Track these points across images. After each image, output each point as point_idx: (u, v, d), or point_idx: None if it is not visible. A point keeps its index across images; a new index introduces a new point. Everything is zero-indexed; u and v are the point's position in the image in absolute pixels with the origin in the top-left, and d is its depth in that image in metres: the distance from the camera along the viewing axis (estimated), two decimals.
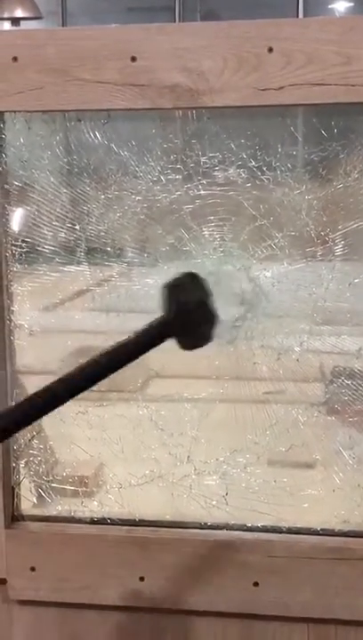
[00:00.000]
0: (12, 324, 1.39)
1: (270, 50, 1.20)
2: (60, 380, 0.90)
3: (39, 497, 1.46)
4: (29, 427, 1.43)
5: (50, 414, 1.46)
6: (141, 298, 1.43)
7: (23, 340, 1.42)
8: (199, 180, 1.35)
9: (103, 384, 1.51)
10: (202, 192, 1.35)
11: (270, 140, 1.34)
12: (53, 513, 1.44)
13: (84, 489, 1.47)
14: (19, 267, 1.38)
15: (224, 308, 1.38)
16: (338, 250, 1.35)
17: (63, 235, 1.41)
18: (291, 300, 1.38)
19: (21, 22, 5.09)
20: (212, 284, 1.32)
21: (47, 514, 1.44)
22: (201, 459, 1.42)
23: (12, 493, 1.41)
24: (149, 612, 1.38)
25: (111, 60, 1.24)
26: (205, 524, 1.38)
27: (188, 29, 1.24)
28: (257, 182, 1.34)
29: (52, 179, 1.39)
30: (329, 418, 1.46)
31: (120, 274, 1.44)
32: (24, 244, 1.39)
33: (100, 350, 0.90)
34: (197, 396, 1.47)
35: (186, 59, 1.22)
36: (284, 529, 1.36)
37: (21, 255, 1.38)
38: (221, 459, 1.42)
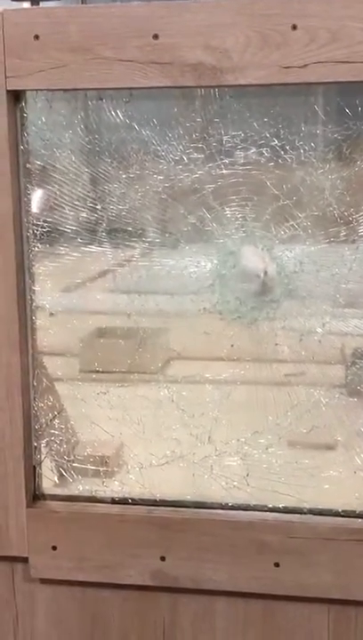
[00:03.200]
0: (34, 304, 1.39)
1: (295, 27, 1.19)
2: None
3: (60, 476, 1.47)
4: (51, 406, 1.44)
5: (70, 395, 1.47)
6: (162, 278, 1.42)
7: (44, 321, 1.42)
8: (221, 159, 1.34)
9: (125, 365, 1.52)
10: (224, 171, 1.34)
11: (293, 118, 1.32)
12: (75, 492, 1.45)
13: (105, 469, 1.47)
14: (40, 247, 1.38)
15: (246, 289, 1.39)
16: (362, 230, 1.34)
17: (84, 215, 1.41)
18: (313, 281, 1.37)
19: (40, 2, 5.07)
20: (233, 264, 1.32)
21: (68, 493, 1.44)
22: (222, 439, 1.42)
23: (33, 473, 1.42)
24: (170, 592, 1.39)
25: (133, 38, 1.23)
26: (226, 504, 1.38)
27: (211, 6, 1.22)
28: (280, 162, 1.33)
29: (73, 158, 1.38)
30: (351, 399, 1.46)
31: (141, 254, 1.44)
32: (45, 224, 1.38)
33: None
34: (219, 377, 1.47)
35: (209, 36, 1.21)
36: (305, 510, 1.36)
37: (43, 235, 1.38)
38: (243, 440, 1.42)
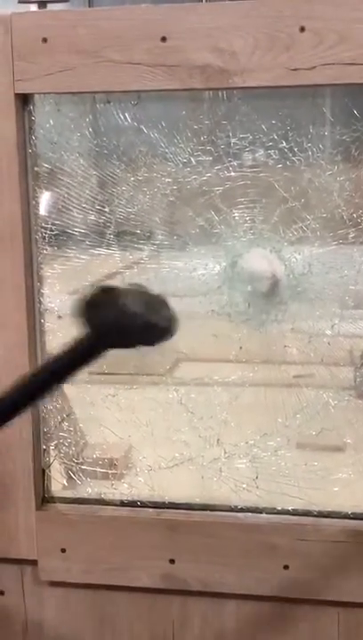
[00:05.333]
0: (42, 306, 1.39)
1: (302, 29, 1.19)
2: None
3: (69, 479, 1.47)
4: (60, 409, 1.44)
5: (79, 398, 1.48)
6: (170, 281, 1.42)
7: (53, 323, 1.42)
8: (230, 161, 1.34)
9: (132, 367, 1.52)
10: (232, 174, 1.34)
11: (301, 120, 1.32)
12: (84, 495, 1.44)
13: (114, 471, 1.47)
14: (49, 249, 1.38)
15: (255, 291, 1.39)
16: None
17: (93, 217, 1.41)
18: (322, 282, 1.37)
19: (48, 5, 5.06)
20: (242, 265, 1.31)
21: (77, 496, 1.44)
22: (231, 442, 1.42)
23: (42, 475, 1.42)
24: (179, 595, 1.39)
25: (141, 41, 1.23)
26: (236, 507, 1.38)
27: (218, 9, 1.22)
28: (288, 163, 1.33)
29: (81, 161, 1.39)
30: (360, 401, 1.45)
31: (150, 256, 1.43)
32: (54, 227, 1.38)
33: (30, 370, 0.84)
34: (227, 380, 1.46)
35: (217, 38, 1.21)
36: (314, 512, 1.35)
37: (51, 238, 1.38)
38: (252, 442, 1.41)
